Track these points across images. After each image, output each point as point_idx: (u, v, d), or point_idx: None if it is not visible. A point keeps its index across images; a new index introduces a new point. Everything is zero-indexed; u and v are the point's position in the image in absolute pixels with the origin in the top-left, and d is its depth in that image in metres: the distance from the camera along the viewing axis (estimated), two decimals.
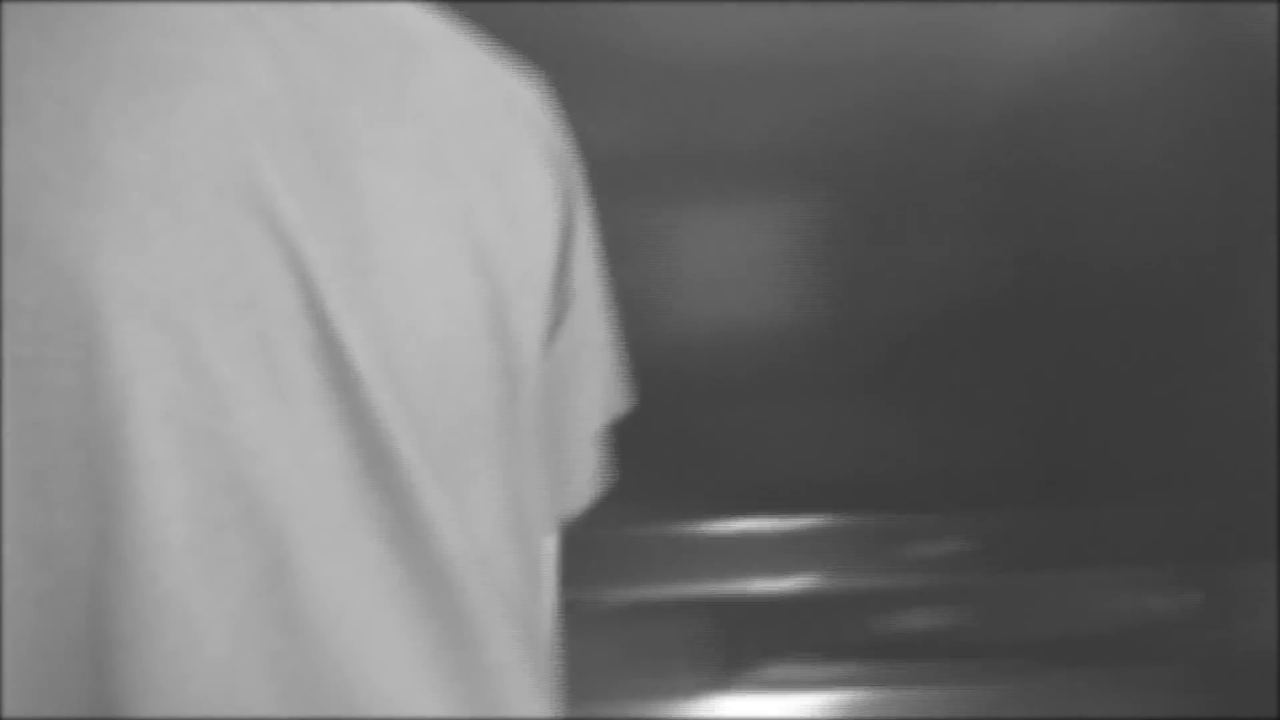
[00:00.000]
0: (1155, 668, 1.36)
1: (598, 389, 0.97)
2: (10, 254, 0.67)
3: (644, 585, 1.44)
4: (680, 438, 1.43)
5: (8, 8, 0.72)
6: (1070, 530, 1.44)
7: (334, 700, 0.72)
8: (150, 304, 0.68)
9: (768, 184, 1.42)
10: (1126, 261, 1.44)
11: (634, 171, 1.38)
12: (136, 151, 0.70)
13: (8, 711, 0.67)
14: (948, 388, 1.45)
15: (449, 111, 0.82)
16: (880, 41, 1.37)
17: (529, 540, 0.85)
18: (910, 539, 1.45)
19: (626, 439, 1.42)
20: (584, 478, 0.98)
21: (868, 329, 1.44)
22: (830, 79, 1.38)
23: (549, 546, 0.93)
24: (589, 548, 1.42)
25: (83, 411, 0.67)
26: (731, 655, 1.41)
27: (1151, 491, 1.41)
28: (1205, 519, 1.42)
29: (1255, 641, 1.38)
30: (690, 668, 1.40)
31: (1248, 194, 1.39)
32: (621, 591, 1.43)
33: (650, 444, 1.42)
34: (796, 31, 1.36)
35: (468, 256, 0.80)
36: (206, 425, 0.69)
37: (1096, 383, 1.44)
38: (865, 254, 1.44)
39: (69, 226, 0.67)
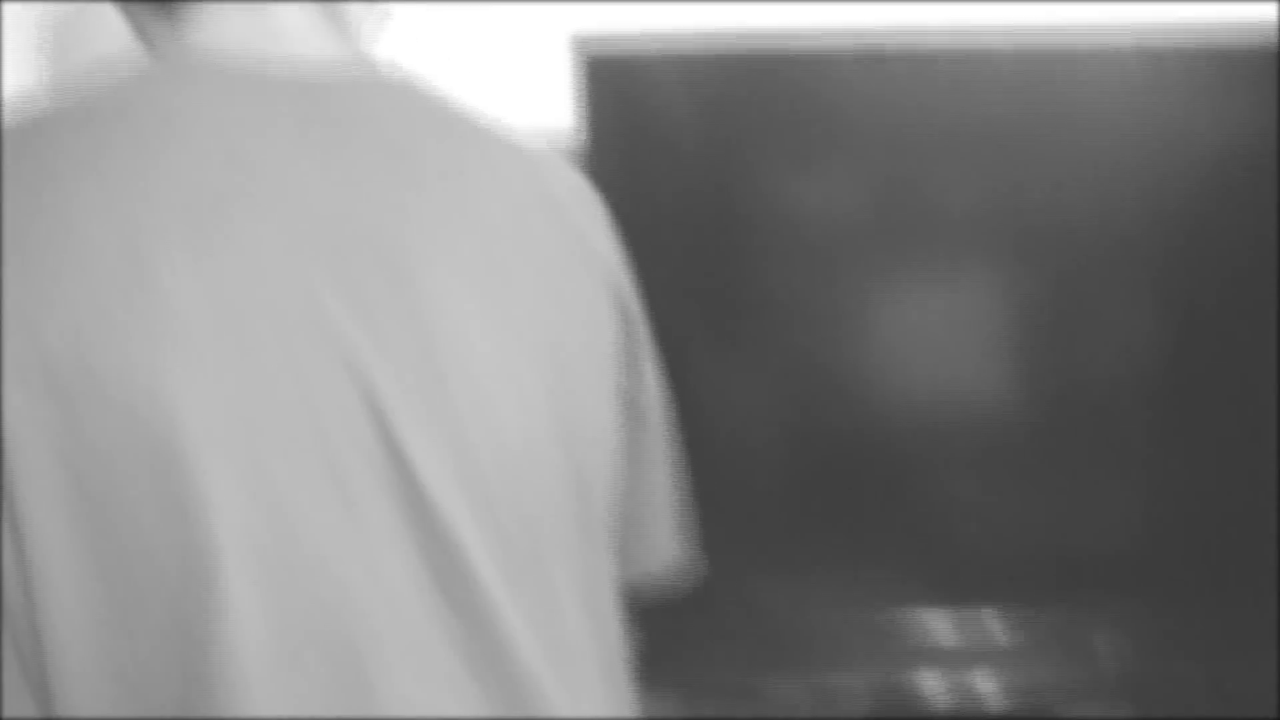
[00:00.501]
0: None
1: (668, 473, 0.98)
2: (83, 395, 0.68)
3: (822, 671, 1.42)
4: (868, 520, 1.42)
5: (57, 149, 0.73)
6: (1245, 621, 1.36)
7: None
8: (222, 438, 0.69)
9: (972, 253, 1.39)
10: None
11: (836, 240, 1.37)
12: (197, 288, 0.70)
13: None
14: (1137, 469, 1.40)
15: (507, 216, 0.82)
16: (1091, 107, 1.34)
17: (607, 624, 0.85)
18: (1087, 629, 1.40)
19: (806, 523, 1.42)
20: (664, 551, 1.00)
21: (1070, 405, 1.40)
22: (1041, 146, 1.34)
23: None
24: (772, 634, 1.42)
25: (164, 546, 0.69)
26: None
27: None
28: None
29: None
30: None
31: None
32: (800, 678, 1.42)
33: (835, 526, 1.42)
34: (1008, 97, 1.33)
35: (534, 360, 0.79)
36: (281, 554, 0.71)
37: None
38: (1071, 330, 1.39)
39: (137, 366, 0.68)
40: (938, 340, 1.39)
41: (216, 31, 0.81)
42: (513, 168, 0.84)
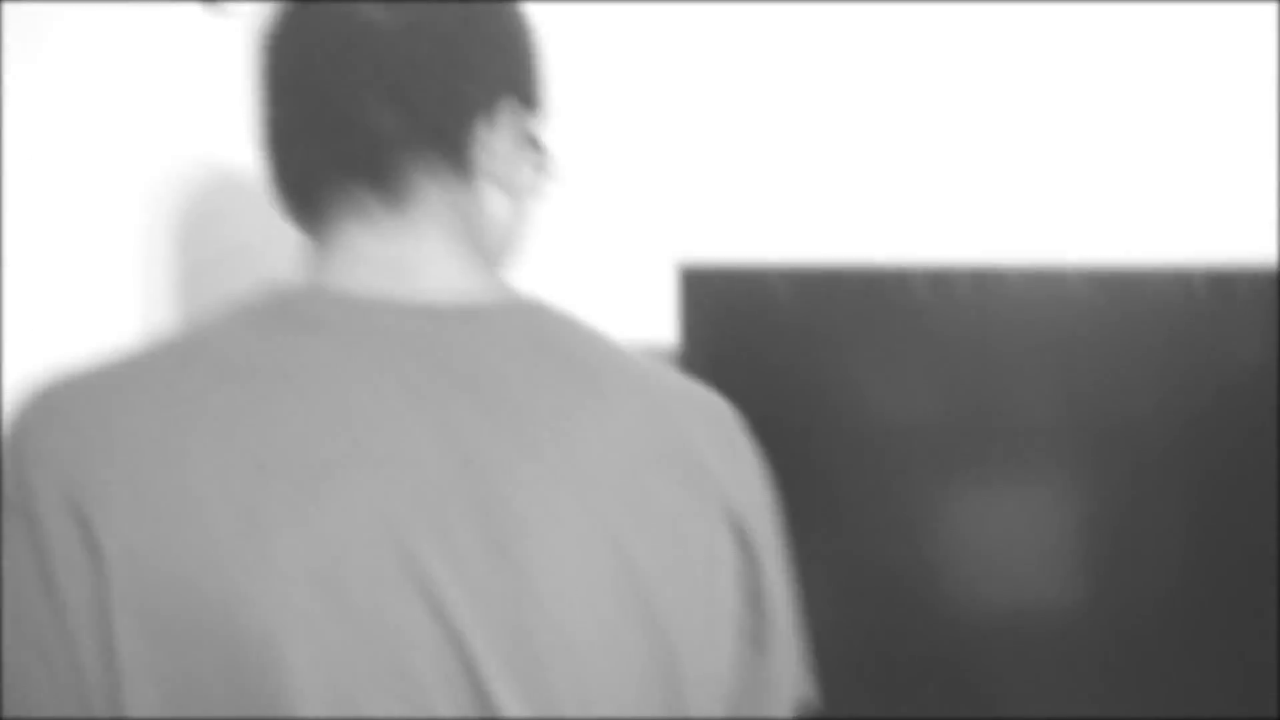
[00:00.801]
0: None
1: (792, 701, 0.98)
2: (188, 639, 0.72)
3: None
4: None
5: (181, 399, 0.76)
6: None
7: None
8: (316, 682, 0.73)
9: (1056, 459, 1.43)
10: None
11: (924, 444, 1.42)
12: (302, 546, 0.74)
13: None
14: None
15: (618, 467, 0.83)
16: (1144, 327, 1.39)
17: None
18: None
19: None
20: None
21: (1141, 610, 1.42)
22: (1099, 359, 1.40)
23: None
24: None
25: None
26: None
27: None
28: None
29: None
30: None
31: None
32: None
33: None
34: (1092, 307, 1.39)
35: (635, 614, 0.81)
36: None
37: None
38: (1148, 536, 1.42)
39: (240, 615, 0.72)
40: (1005, 545, 1.42)
41: (351, 262, 0.85)
42: (633, 407, 0.86)
